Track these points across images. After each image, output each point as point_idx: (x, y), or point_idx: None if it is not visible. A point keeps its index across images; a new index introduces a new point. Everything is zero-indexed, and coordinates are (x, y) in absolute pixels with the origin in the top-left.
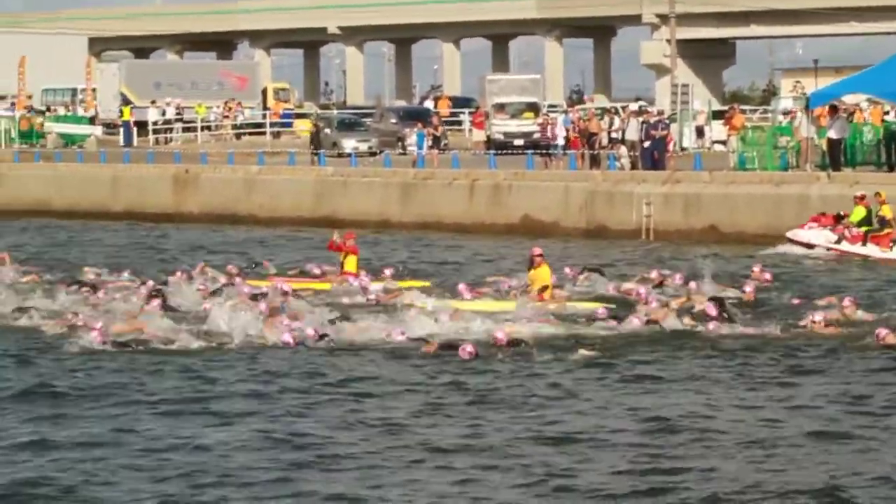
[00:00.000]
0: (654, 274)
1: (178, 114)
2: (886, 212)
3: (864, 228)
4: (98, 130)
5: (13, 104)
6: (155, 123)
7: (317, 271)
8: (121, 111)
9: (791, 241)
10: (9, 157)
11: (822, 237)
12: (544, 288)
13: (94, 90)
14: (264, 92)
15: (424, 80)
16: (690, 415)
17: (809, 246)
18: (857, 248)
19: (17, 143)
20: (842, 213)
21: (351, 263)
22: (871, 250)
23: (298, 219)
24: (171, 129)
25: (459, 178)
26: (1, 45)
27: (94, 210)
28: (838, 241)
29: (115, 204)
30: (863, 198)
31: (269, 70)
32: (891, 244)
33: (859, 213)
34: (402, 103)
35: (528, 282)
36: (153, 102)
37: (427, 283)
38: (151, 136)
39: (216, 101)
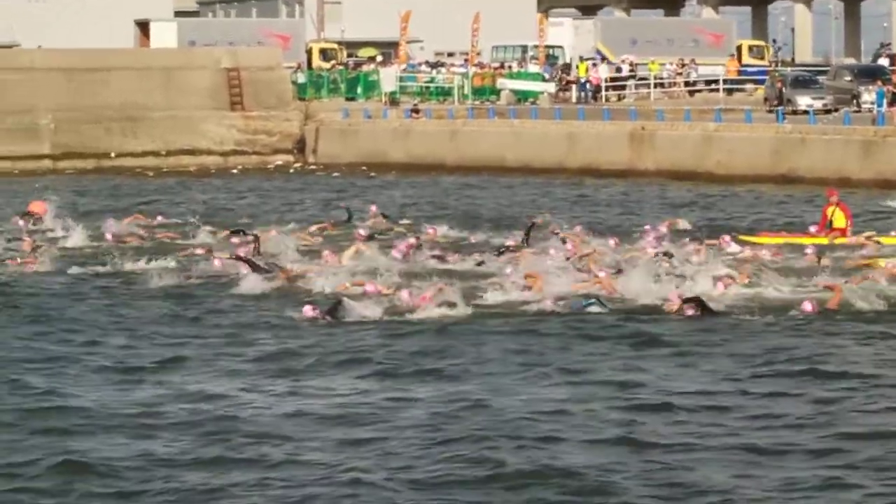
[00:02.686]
0: None
1: (631, 70)
2: None
3: None
4: (551, 87)
5: (466, 61)
6: (607, 81)
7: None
8: (576, 68)
9: None
10: (462, 114)
11: None
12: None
13: (546, 47)
14: (739, 48)
15: (871, 38)
16: None
17: None
18: None
19: (470, 99)
20: None
21: (840, 219)
22: None
23: (755, 176)
24: (623, 87)
25: None
26: (451, 2)
27: (549, 167)
28: None
29: (571, 161)
30: None
31: None
32: None
33: None
34: (851, 61)
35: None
36: (604, 59)
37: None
38: (604, 94)
39: (691, 57)
